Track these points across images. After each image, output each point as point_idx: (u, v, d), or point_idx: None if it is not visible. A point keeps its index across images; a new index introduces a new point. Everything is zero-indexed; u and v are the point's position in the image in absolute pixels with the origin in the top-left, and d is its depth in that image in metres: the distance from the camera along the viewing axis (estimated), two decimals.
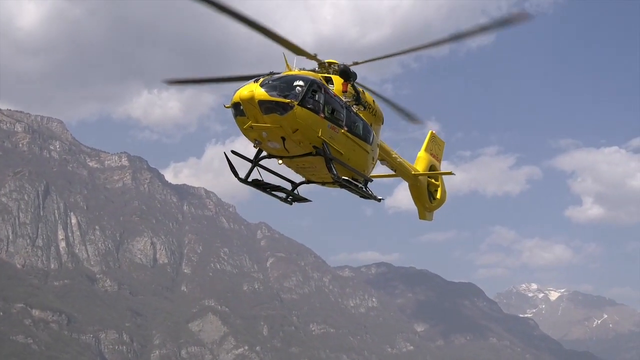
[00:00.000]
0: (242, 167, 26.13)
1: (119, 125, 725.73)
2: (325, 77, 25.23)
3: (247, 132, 23.30)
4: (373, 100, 27.29)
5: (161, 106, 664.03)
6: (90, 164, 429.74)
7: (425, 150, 34.50)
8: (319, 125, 23.43)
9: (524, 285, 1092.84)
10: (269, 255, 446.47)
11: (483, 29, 23.11)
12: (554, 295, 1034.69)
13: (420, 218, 34.42)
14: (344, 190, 26.50)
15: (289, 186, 27.77)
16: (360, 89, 26.40)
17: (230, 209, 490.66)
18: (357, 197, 26.86)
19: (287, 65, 23.94)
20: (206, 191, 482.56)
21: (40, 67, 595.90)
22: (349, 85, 25.55)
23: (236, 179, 25.70)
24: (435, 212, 35.01)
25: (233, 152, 25.67)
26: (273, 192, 26.91)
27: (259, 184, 26.16)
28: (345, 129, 24.95)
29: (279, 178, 27.22)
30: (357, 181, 26.16)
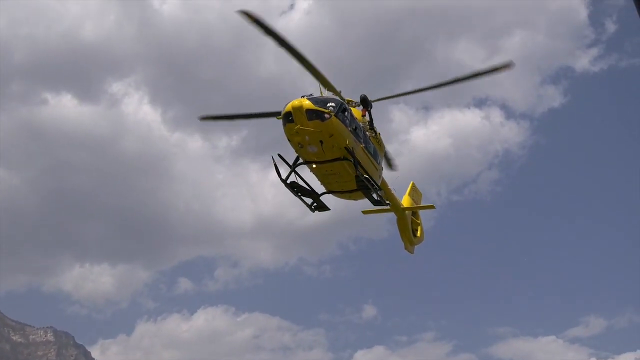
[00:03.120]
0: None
1: (48, 298, 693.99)
2: None
3: (292, 137, 28.38)
4: (379, 133, 33.17)
5: (93, 280, 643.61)
6: (14, 337, 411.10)
7: (408, 195, 39.68)
8: (347, 135, 28.96)
9: None
10: None
11: (478, 74, 30.42)
12: None
13: (405, 249, 39.52)
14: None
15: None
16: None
17: None
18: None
19: (321, 91, 29.77)
20: None
21: None
22: (367, 112, 31.81)
23: (278, 178, 30.89)
24: None
25: (279, 155, 30.96)
26: (302, 197, 32.04)
27: (294, 186, 31.27)
28: (363, 145, 30.54)
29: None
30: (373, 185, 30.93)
